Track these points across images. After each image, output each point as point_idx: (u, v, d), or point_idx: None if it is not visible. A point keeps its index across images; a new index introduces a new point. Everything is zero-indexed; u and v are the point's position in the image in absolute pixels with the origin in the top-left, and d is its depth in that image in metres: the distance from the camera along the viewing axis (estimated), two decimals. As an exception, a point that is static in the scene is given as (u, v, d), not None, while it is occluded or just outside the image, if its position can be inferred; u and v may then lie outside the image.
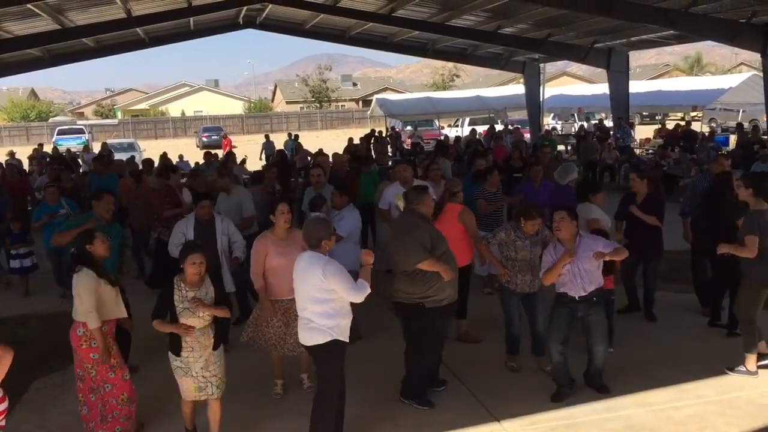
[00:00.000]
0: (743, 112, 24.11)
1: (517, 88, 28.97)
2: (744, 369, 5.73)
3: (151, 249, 9.35)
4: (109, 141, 27.06)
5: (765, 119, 16.22)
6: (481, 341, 6.67)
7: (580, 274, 5.31)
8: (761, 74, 16.46)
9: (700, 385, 5.60)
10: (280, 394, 5.68)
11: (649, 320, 7.12)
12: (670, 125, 24.44)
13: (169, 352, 4.70)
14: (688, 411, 5.21)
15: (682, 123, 22.32)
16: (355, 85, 74.11)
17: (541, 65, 25.03)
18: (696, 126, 22.05)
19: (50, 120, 54.67)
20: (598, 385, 5.58)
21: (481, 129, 25.44)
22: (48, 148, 24.06)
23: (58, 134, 36.01)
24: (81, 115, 65.87)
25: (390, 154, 22.13)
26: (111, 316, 4.90)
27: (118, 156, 18.69)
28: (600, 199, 6.84)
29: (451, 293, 5.35)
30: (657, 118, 33.01)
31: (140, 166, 12.91)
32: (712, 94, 21.28)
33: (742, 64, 65.51)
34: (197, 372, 4.68)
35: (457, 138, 22.56)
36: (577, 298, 5.36)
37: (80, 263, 4.86)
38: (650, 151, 21.23)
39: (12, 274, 9.39)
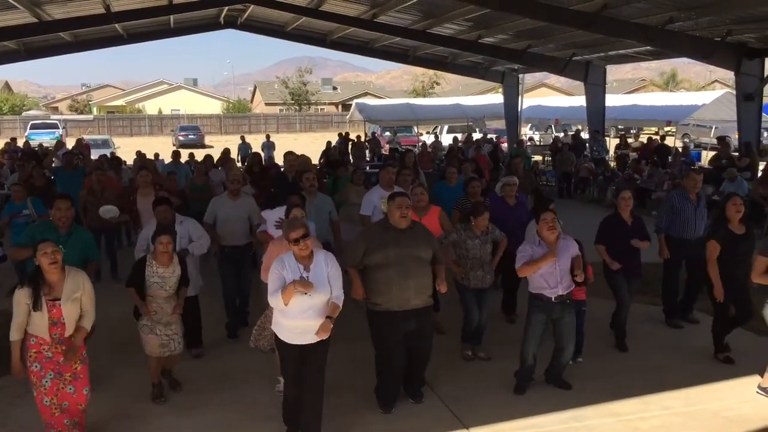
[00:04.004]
0: (716, 128, 24.51)
1: (496, 98, 29.20)
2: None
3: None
4: (83, 137, 26.69)
5: (737, 136, 16.54)
6: (444, 333, 6.94)
7: (559, 273, 5.50)
8: (734, 92, 16.79)
9: (666, 397, 5.67)
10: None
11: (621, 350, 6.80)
12: (643, 139, 24.79)
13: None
14: (654, 422, 5.27)
15: (656, 137, 22.62)
16: (335, 89, 73.99)
17: (520, 76, 25.29)
18: (669, 141, 22.38)
19: (23, 114, 53.75)
20: (560, 382, 5.86)
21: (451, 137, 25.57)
22: (20, 143, 23.65)
23: (31, 128, 35.47)
24: (55, 110, 64.69)
25: (368, 159, 22.13)
26: (36, 333, 4.63)
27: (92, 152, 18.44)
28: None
29: (389, 300, 5.19)
30: (632, 132, 33.47)
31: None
32: (686, 110, 21.63)
33: (716, 81, 66.66)
34: (160, 331, 5.44)
35: (427, 145, 22.53)
36: (553, 299, 5.54)
37: (33, 275, 4.62)
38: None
39: None
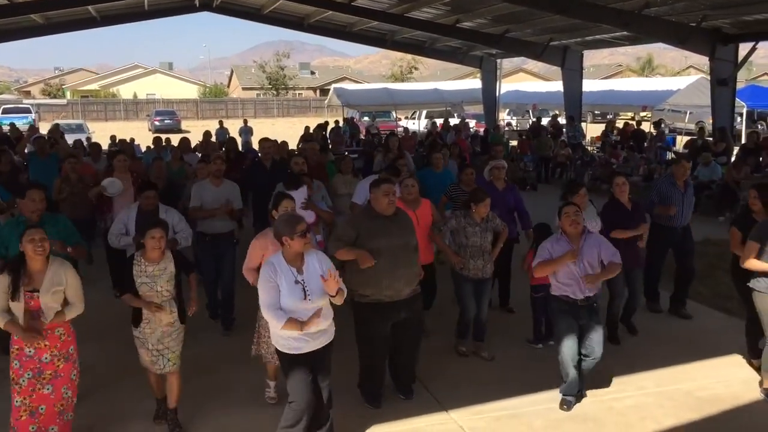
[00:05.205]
0: (690, 113, 24.80)
1: (474, 83, 29.23)
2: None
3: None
4: (56, 122, 26.25)
5: (711, 122, 16.80)
6: (429, 336, 6.39)
7: (585, 272, 5.10)
8: (709, 77, 16.98)
9: (640, 377, 5.77)
10: (274, 398, 5.35)
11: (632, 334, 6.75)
12: (619, 124, 24.99)
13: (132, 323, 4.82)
14: (628, 402, 5.37)
15: (632, 122, 22.83)
16: (313, 73, 73.56)
17: (498, 61, 25.31)
18: (645, 126, 22.61)
19: (-5, 98, 52.77)
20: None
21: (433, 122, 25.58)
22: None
23: (2, 113, 34.80)
24: (27, 94, 63.66)
25: (347, 144, 22.05)
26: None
27: (66, 137, 18.07)
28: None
29: (378, 291, 5.02)
30: (609, 116, 33.72)
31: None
32: (661, 95, 21.84)
33: (690, 67, 67.44)
34: (152, 345, 4.78)
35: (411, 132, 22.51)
36: (578, 301, 5.14)
37: (15, 262, 4.38)
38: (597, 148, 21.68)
39: None
